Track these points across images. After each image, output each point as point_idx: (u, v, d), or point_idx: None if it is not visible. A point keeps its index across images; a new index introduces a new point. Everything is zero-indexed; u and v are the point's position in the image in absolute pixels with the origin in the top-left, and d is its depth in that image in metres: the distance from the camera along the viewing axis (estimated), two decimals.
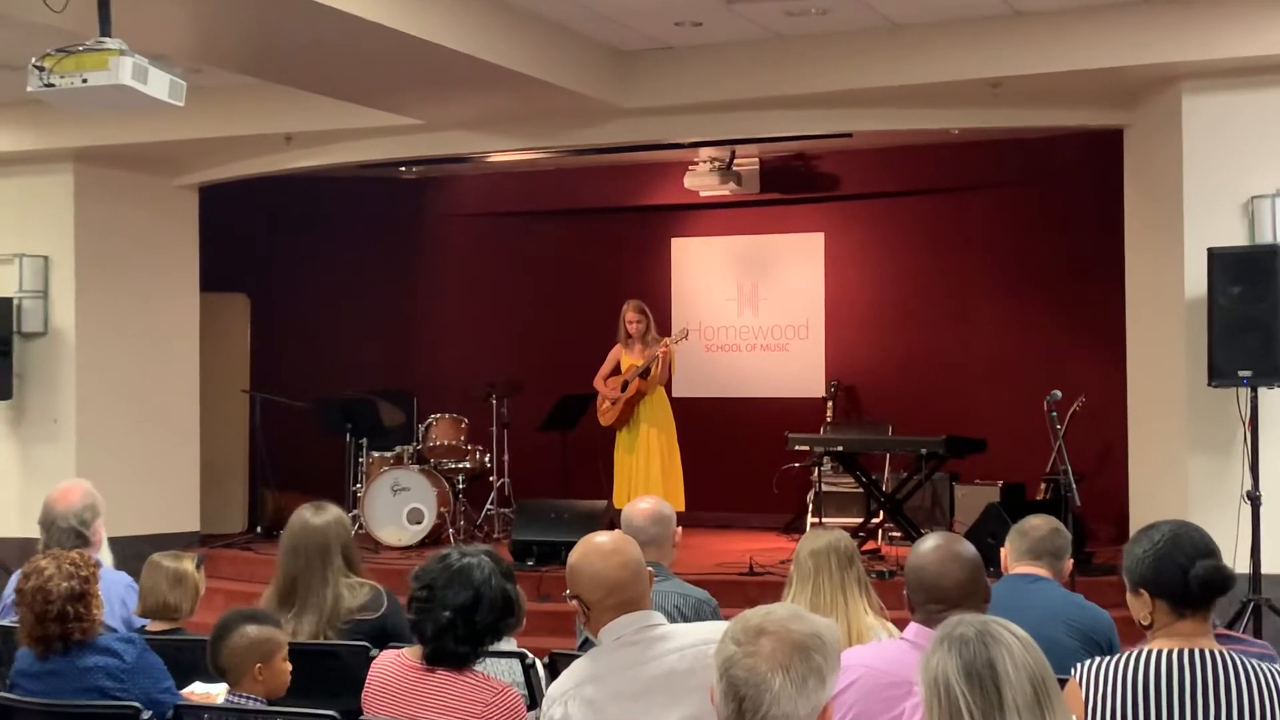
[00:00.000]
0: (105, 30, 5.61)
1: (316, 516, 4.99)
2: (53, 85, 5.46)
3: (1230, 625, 4.63)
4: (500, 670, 4.48)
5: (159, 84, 5.61)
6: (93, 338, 10.69)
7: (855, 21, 8.48)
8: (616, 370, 10.45)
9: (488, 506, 11.24)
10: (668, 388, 10.62)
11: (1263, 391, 7.66)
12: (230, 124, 9.99)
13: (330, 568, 4.91)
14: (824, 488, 10.84)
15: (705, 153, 11.57)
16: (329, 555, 4.92)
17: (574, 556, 3.65)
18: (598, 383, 10.50)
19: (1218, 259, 7.71)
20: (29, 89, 5.54)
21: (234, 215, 12.01)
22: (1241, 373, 7.56)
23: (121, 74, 5.42)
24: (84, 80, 5.44)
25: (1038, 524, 4.78)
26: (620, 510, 8.84)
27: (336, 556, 4.94)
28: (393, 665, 3.86)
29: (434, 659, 3.76)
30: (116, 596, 5.08)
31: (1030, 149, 11.02)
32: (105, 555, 5.38)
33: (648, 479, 10.19)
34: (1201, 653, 3.25)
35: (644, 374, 10.23)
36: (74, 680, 4.14)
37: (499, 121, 9.88)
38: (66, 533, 5.22)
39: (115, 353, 10.80)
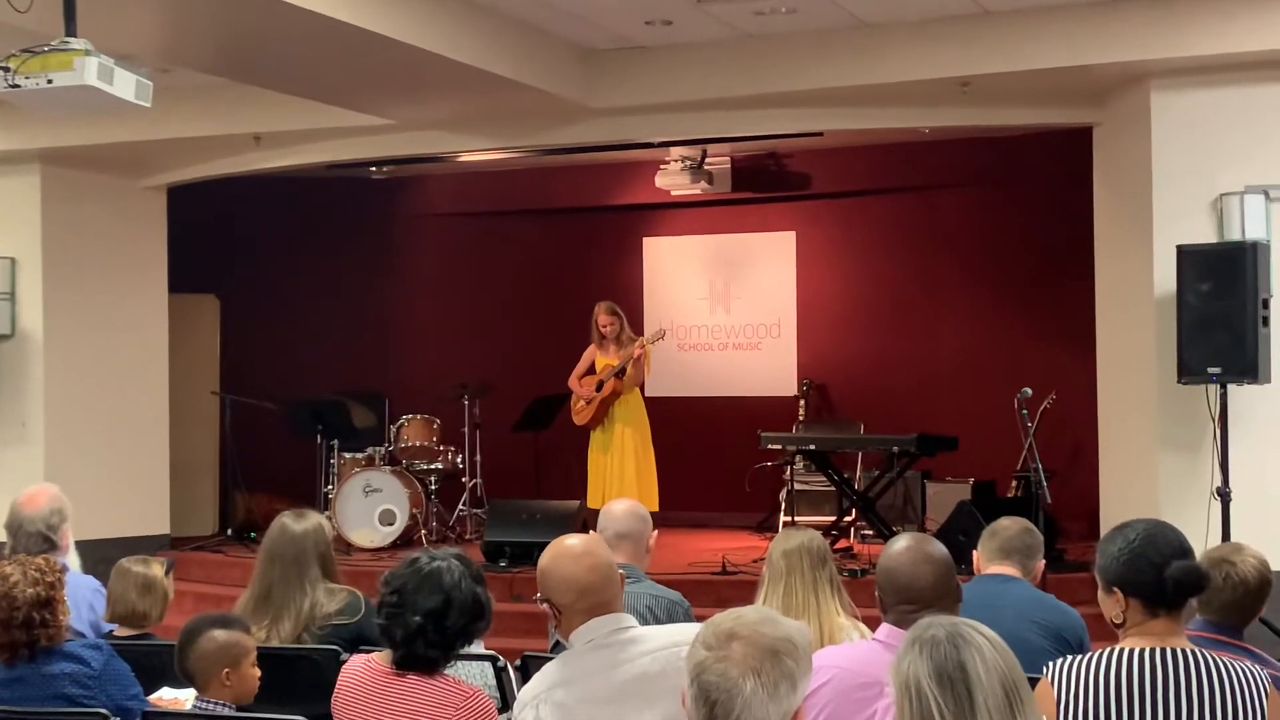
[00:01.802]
0: (71, 30, 5.56)
1: (297, 524, 4.98)
2: (18, 86, 5.41)
3: None
4: (472, 673, 4.47)
5: (125, 84, 5.57)
6: (61, 340, 10.62)
7: (825, 21, 8.49)
8: (591, 370, 10.42)
9: (460, 507, 11.21)
10: (641, 387, 10.61)
11: (1232, 388, 7.69)
12: (198, 124, 9.93)
13: (308, 575, 4.90)
14: (796, 486, 10.86)
15: (676, 152, 11.56)
16: (308, 563, 4.91)
17: (544, 559, 3.63)
18: (572, 382, 10.47)
19: (1187, 256, 7.74)
20: None
21: (203, 216, 11.95)
22: (1211, 369, 7.59)
23: (87, 75, 5.37)
24: (49, 81, 5.39)
25: (1008, 524, 4.79)
26: (594, 510, 8.88)
27: (315, 564, 4.93)
28: (362, 670, 3.83)
29: (404, 664, 3.74)
30: (84, 601, 5.06)
31: (1000, 147, 11.05)
32: (72, 560, 5.35)
33: (622, 479, 10.18)
34: (1174, 652, 3.25)
35: (619, 374, 10.21)
36: (41, 687, 4.10)
37: (469, 121, 9.85)
38: (34, 537, 5.19)
39: (83, 355, 10.73)
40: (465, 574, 3.81)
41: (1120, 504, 8.50)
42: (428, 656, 3.72)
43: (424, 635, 3.70)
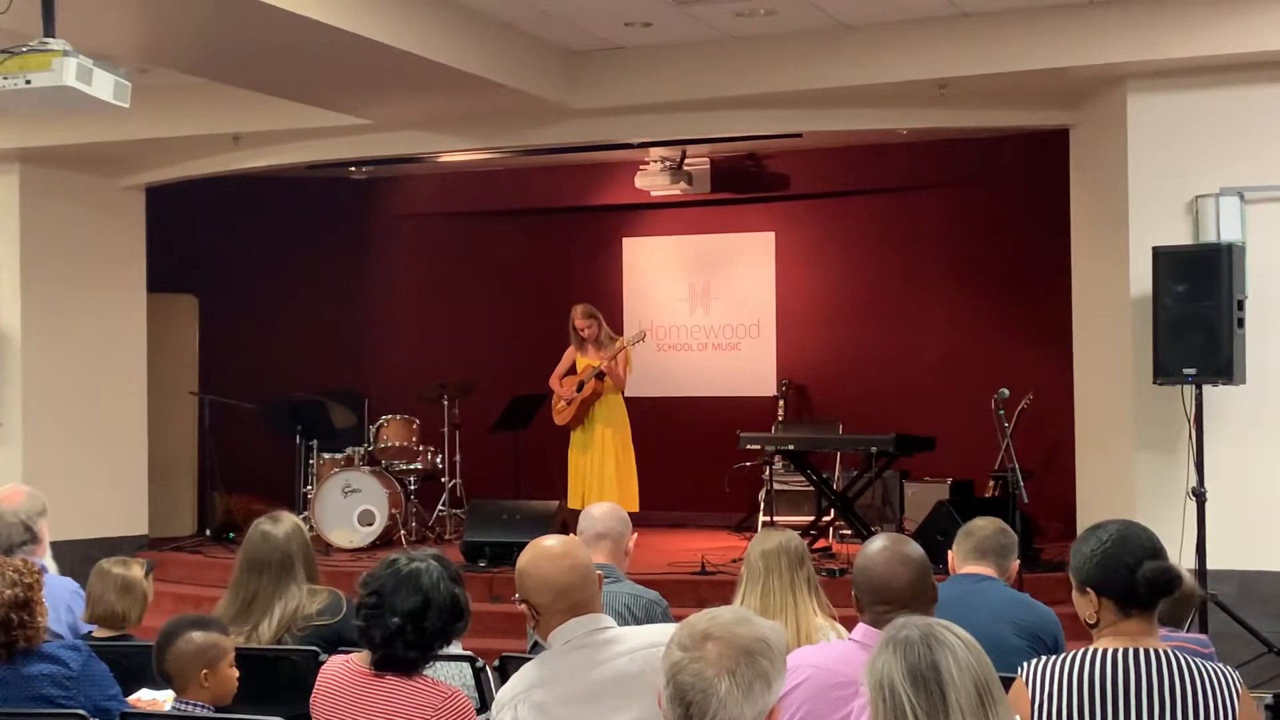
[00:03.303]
0: (49, 31, 5.55)
1: (275, 528, 4.97)
2: None
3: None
4: (450, 674, 4.48)
5: (104, 85, 5.56)
6: (39, 340, 10.59)
7: (804, 22, 8.52)
8: (572, 370, 10.43)
9: (439, 508, 11.20)
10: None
11: (1207, 389, 7.72)
12: (177, 124, 9.91)
13: (292, 578, 4.90)
14: (775, 486, 10.87)
15: (656, 152, 11.58)
16: (290, 566, 4.91)
17: (522, 560, 3.64)
18: (553, 382, 10.48)
19: (1162, 258, 7.78)
20: None
21: (181, 216, 11.93)
22: (1186, 370, 7.63)
23: (65, 75, 5.37)
24: (27, 81, 5.38)
25: (983, 524, 4.81)
26: (574, 510, 8.89)
27: (299, 567, 4.92)
28: (341, 670, 3.84)
29: (383, 665, 3.74)
30: (62, 603, 5.05)
31: (978, 149, 11.09)
32: (48, 563, 5.34)
33: (602, 480, 10.19)
34: (1147, 652, 3.27)
35: (599, 375, 10.22)
36: (19, 688, 4.09)
37: (449, 121, 9.86)
38: (14, 527, 5.22)
39: (62, 355, 10.70)
40: (444, 575, 3.82)
41: (1096, 504, 8.54)
42: (406, 658, 3.73)
43: (402, 636, 3.71)
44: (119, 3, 6.95)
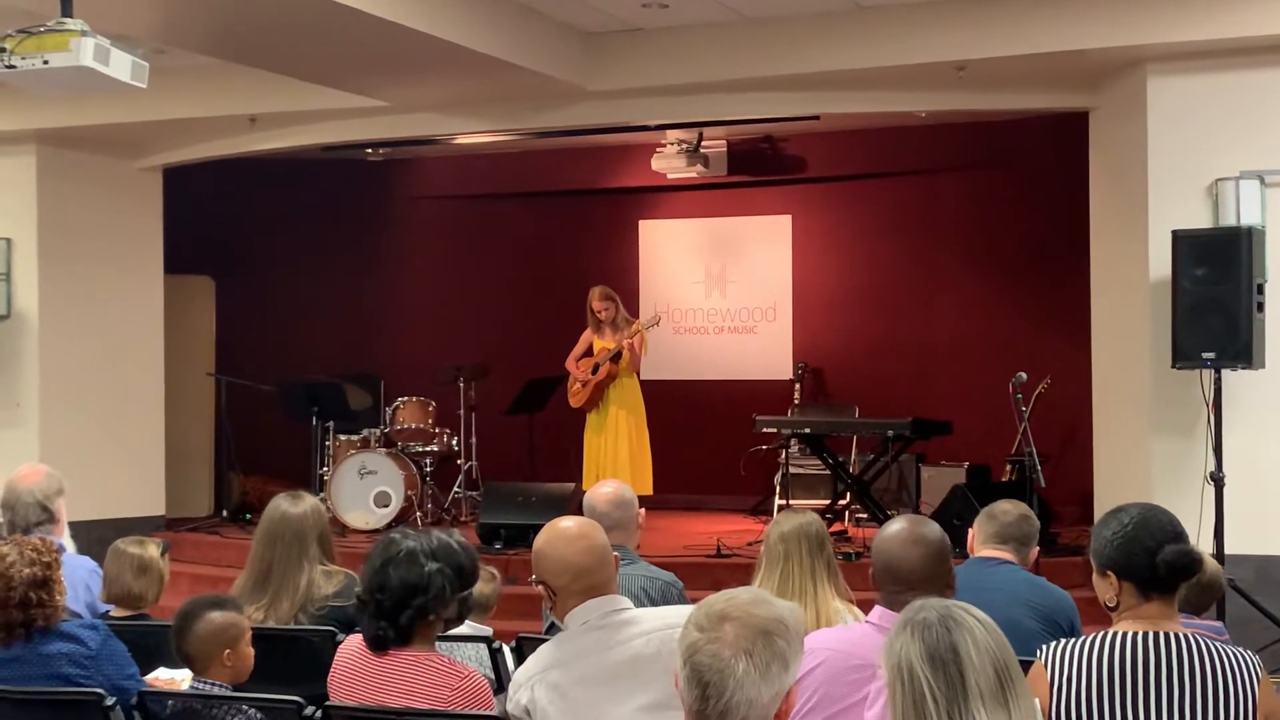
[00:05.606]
0: (67, 11, 5.56)
1: (294, 506, 4.98)
2: (14, 67, 5.42)
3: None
4: (467, 655, 4.49)
5: (121, 65, 5.57)
6: (56, 321, 10.61)
7: (821, 4, 8.49)
8: (589, 353, 10.43)
9: (455, 489, 11.22)
10: (637, 371, 10.59)
11: (1226, 373, 7.70)
12: (194, 105, 9.92)
13: (306, 556, 4.91)
14: (791, 470, 10.86)
15: (673, 135, 11.56)
16: (305, 544, 4.92)
17: (539, 542, 3.64)
18: (569, 364, 10.50)
19: (1182, 241, 7.75)
20: None
21: (198, 197, 11.94)
22: (1205, 354, 7.60)
23: (83, 55, 5.38)
24: (45, 62, 5.39)
25: (1008, 509, 4.76)
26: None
27: (313, 545, 4.94)
28: (357, 650, 3.85)
29: (375, 646, 3.76)
30: (80, 582, 5.07)
31: (996, 132, 11.05)
32: (66, 542, 5.36)
33: (616, 461, 10.20)
34: (1167, 635, 3.26)
35: (615, 358, 10.22)
36: (37, 667, 4.10)
37: (465, 103, 9.85)
38: (31, 507, 5.23)
39: (79, 336, 10.73)
40: (423, 550, 3.79)
41: (1114, 489, 8.52)
42: (378, 634, 3.74)
43: (375, 612, 3.73)
44: None
